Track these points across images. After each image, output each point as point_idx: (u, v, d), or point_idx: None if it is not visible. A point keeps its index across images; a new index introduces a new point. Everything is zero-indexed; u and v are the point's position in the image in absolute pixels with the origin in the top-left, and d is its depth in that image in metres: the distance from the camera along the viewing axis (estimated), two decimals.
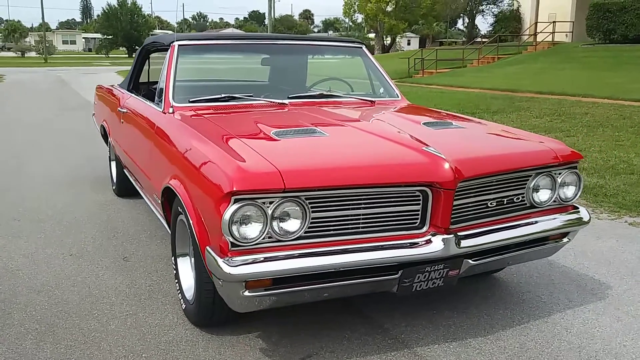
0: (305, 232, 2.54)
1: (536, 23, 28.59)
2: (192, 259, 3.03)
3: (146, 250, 4.22)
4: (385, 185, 2.61)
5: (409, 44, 68.55)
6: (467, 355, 2.83)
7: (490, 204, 2.91)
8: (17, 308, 3.27)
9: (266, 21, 34.79)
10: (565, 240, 3.23)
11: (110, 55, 58.43)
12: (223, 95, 3.82)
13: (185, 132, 3.20)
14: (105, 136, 5.85)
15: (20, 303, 3.34)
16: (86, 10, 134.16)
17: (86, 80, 23.08)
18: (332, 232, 2.60)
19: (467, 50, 28.20)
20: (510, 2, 36.71)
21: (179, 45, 3.97)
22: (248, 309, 2.65)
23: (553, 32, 27.17)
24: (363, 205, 2.62)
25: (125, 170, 5.08)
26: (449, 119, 3.68)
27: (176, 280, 3.27)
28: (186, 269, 3.18)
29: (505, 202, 2.97)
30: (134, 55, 5.29)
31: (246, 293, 2.48)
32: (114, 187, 5.74)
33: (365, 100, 4.21)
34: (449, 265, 2.79)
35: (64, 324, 3.10)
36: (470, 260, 2.84)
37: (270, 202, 2.45)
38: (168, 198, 3.26)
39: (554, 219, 3.10)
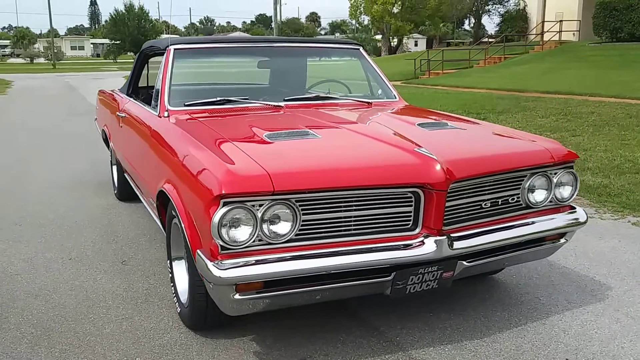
0: (296, 235, 2.53)
1: (543, 22, 28.45)
2: (186, 263, 3.03)
3: (145, 253, 4.23)
4: (376, 187, 2.60)
5: (416, 45, 68.41)
6: (462, 358, 2.81)
7: (485, 204, 2.89)
8: (14, 312, 3.28)
9: (273, 24, 34.84)
10: (562, 240, 3.20)
11: (118, 60, 58.74)
12: (218, 99, 3.82)
13: (178, 136, 3.20)
14: (106, 140, 5.87)
15: (17, 307, 3.35)
16: (94, 16, 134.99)
17: (94, 85, 23.16)
18: (323, 234, 2.58)
19: (474, 50, 28.13)
20: (517, 1, 36.56)
21: (174, 49, 3.97)
22: (240, 312, 2.65)
23: (560, 31, 27.02)
24: (354, 207, 2.61)
25: (125, 175, 5.10)
26: (445, 119, 3.65)
27: (172, 284, 3.27)
28: (181, 272, 3.18)
29: (500, 203, 2.94)
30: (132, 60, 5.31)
31: (236, 296, 2.47)
32: (115, 191, 5.76)
33: (362, 101, 4.20)
34: (443, 267, 2.76)
35: (60, 328, 3.10)
36: (464, 262, 2.82)
37: (260, 205, 2.44)
38: (162, 201, 3.26)
39: (550, 219, 3.07)
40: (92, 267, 3.96)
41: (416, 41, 69.62)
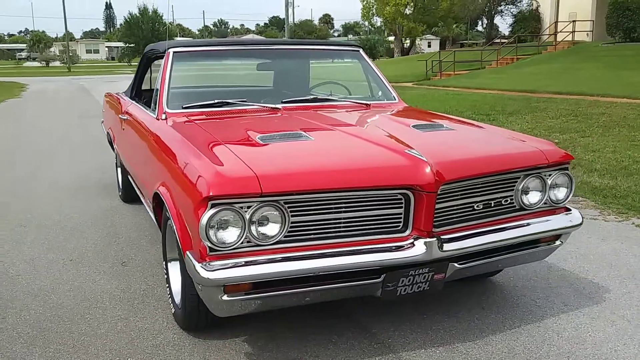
0: (285, 237, 2.54)
1: (556, 22, 28.22)
2: (180, 264, 3.05)
3: (145, 255, 4.26)
4: (366, 189, 2.60)
5: (429, 46, 68.17)
6: None
7: (477, 206, 2.88)
8: (12, 312, 3.33)
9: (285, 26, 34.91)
10: (558, 242, 3.17)
11: (132, 63, 59.16)
12: (216, 101, 3.84)
13: (173, 138, 3.22)
14: (111, 143, 5.93)
15: (16, 307, 3.39)
16: (109, 19, 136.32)
17: (107, 88, 23.23)
18: (312, 236, 2.59)
19: (486, 51, 27.96)
20: (530, 2, 36.32)
21: (173, 52, 4.01)
22: (229, 313, 2.66)
23: (573, 32, 26.79)
24: (344, 209, 2.61)
25: (128, 176, 5.14)
26: (440, 121, 3.64)
27: (167, 285, 3.30)
28: (176, 273, 3.20)
29: (492, 205, 2.93)
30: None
31: (225, 297, 2.49)
32: (120, 193, 5.82)
33: (361, 103, 4.20)
34: (434, 269, 2.76)
35: (56, 328, 3.14)
36: (456, 264, 2.81)
37: (248, 207, 2.45)
38: (159, 203, 3.29)
39: (544, 221, 3.04)
40: (92, 268, 4.00)
41: (429, 42, 69.39)
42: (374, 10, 45.26)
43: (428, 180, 2.59)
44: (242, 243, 2.47)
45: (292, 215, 2.53)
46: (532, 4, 34.28)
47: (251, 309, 2.66)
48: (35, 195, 6.03)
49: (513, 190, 2.97)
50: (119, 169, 5.74)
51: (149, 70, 5.21)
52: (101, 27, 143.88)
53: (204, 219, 2.38)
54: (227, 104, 3.86)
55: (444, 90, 19.86)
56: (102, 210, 5.46)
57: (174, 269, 3.22)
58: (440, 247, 2.66)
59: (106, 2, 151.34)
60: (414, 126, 3.39)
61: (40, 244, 4.54)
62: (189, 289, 2.79)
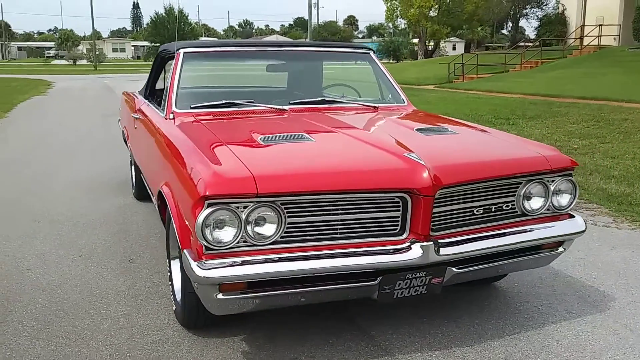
0: (282, 237, 2.56)
1: (582, 26, 27.84)
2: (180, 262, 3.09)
3: (153, 252, 4.32)
4: (363, 191, 2.61)
5: (454, 48, 67.67)
6: None
7: (477, 211, 2.87)
8: (19, 306, 3.40)
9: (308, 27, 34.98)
10: (560, 249, 3.14)
11: None
12: (224, 102, 3.88)
13: (177, 138, 3.27)
14: (126, 141, 6.02)
15: (23, 301, 3.47)
16: (136, 19, 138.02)
17: (130, 87, 23.47)
18: (309, 237, 2.60)
19: (510, 54, 27.69)
20: (556, 5, 35.86)
21: (183, 52, 4.06)
22: (225, 312, 2.69)
23: (599, 36, 26.39)
24: (341, 211, 2.63)
25: (140, 174, 5.21)
26: (446, 125, 3.63)
27: (170, 282, 3.34)
28: (178, 271, 3.24)
29: (493, 210, 2.91)
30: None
31: (220, 296, 2.52)
32: (133, 191, 5.90)
33: (368, 106, 4.20)
34: (432, 273, 2.75)
35: (60, 322, 3.20)
36: (454, 269, 2.80)
37: (245, 207, 2.48)
38: (163, 202, 3.33)
39: (546, 227, 3.02)
40: (100, 264, 4.07)
41: (454, 45, 68.90)
42: (398, 12, 45.06)
43: (425, 184, 2.59)
44: (238, 243, 2.50)
45: (289, 216, 2.55)
46: (558, 8, 33.82)
47: (247, 308, 2.68)
48: (52, 192, 6.14)
49: (515, 195, 2.95)
50: (133, 167, 5.82)
51: (163, 70, 5.27)
52: (128, 26, 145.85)
53: (200, 218, 2.41)
54: (235, 104, 3.90)
55: (465, 93, 19.73)
56: (115, 207, 5.54)
57: (176, 267, 3.26)
58: (437, 251, 2.66)
59: (133, 2, 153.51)
60: (417, 129, 3.38)
61: (53, 239, 4.63)
62: (188, 287, 2.82)
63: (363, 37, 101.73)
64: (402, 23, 50.14)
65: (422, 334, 3.08)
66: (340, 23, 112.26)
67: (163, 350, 2.91)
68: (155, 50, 61.47)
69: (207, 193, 2.42)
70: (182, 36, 59.67)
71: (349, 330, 3.12)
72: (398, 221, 2.69)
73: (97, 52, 54.62)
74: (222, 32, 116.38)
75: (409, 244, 2.67)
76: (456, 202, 2.78)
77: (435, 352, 2.90)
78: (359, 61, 4.71)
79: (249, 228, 2.50)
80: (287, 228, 2.56)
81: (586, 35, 26.84)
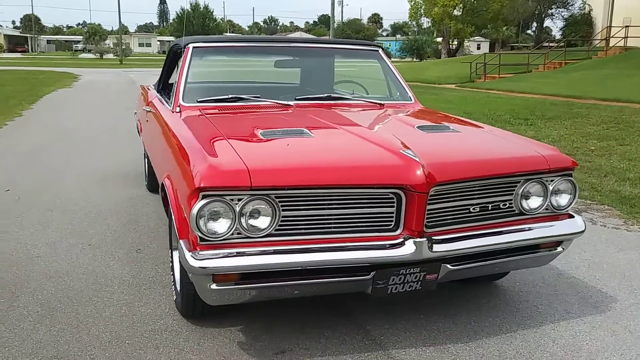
0: (276, 230, 2.59)
1: (609, 27, 27.39)
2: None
3: (160, 242, 4.39)
4: (357, 187, 2.63)
5: (478, 48, 67.09)
6: None
7: (473, 209, 2.87)
8: (26, 292, 3.50)
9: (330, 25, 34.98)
10: (559, 249, 3.13)
11: None
12: (229, 96, 3.93)
13: (180, 130, 3.32)
14: (139, 133, 6.12)
15: (30, 287, 3.56)
16: (163, 14, 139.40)
17: (154, 80, 23.72)
18: (303, 230, 2.64)
19: (533, 55, 27.37)
20: (582, 5, 35.33)
21: (193, 47, 4.12)
22: (219, 302, 2.74)
23: (626, 37, 25.92)
24: (335, 206, 2.65)
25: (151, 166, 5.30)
26: (448, 123, 3.63)
27: (171, 272, 3.40)
28: (178, 261, 3.30)
29: (490, 208, 2.91)
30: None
31: (213, 286, 2.57)
32: (146, 183, 5.99)
33: (374, 103, 4.22)
34: (426, 269, 2.77)
35: (64, 309, 3.29)
36: (448, 265, 2.81)
37: (239, 199, 2.52)
38: (165, 193, 3.39)
39: (544, 227, 3.01)
40: (108, 254, 4.16)
41: (479, 44, 68.33)
42: (422, 11, 44.83)
43: (419, 180, 2.60)
44: (232, 234, 2.54)
45: (283, 210, 2.58)
46: (585, 8, 33.32)
47: (241, 300, 2.72)
48: (69, 183, 6.26)
49: (512, 194, 2.95)
50: (146, 159, 5.91)
51: (176, 64, 5.34)
52: (155, 21, 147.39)
53: (195, 209, 2.46)
54: (241, 99, 3.94)
55: (486, 93, 19.58)
56: (127, 198, 5.64)
57: (177, 258, 3.32)
58: (431, 248, 2.67)
59: None
60: (418, 127, 3.39)
61: (64, 228, 4.73)
62: (186, 277, 2.88)
63: (387, 36, 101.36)
64: (426, 22, 49.87)
65: (417, 330, 3.09)
66: (365, 21, 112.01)
67: (161, 338, 2.98)
68: None
69: (202, 185, 2.46)
70: (206, 32, 60.15)
71: (344, 324, 3.15)
72: (392, 217, 2.71)
73: (123, 47, 55.26)
74: (247, 29, 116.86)
75: (402, 239, 2.68)
76: (451, 199, 2.79)
77: (429, 348, 2.91)
78: (368, 59, 4.72)
79: (243, 220, 2.54)
80: (282, 221, 2.59)
81: (612, 36, 26.39)
